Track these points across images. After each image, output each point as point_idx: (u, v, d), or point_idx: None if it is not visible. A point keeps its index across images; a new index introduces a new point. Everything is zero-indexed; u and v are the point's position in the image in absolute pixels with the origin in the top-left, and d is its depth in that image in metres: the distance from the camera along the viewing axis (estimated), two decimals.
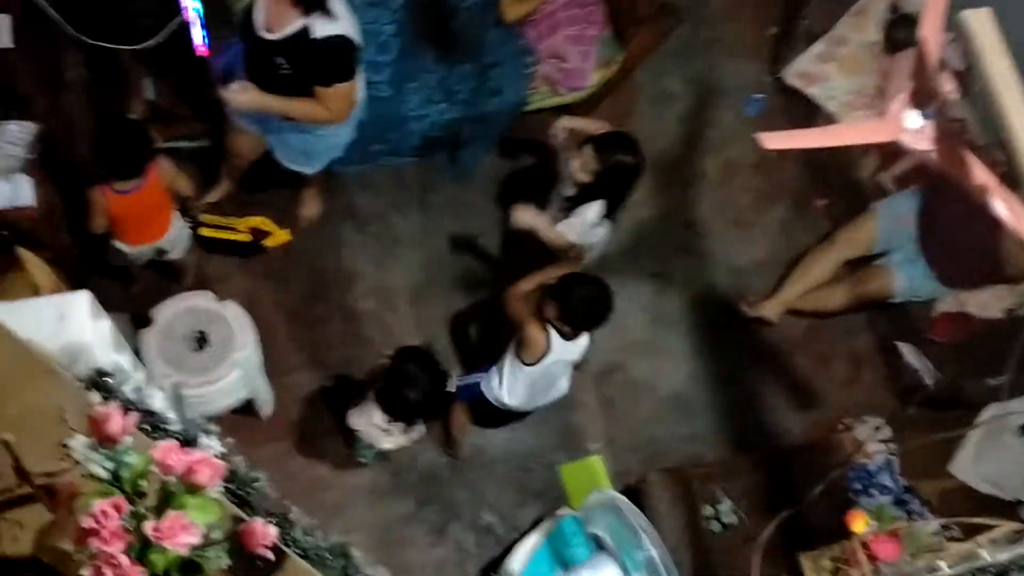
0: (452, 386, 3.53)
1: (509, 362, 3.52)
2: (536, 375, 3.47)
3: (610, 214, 3.63)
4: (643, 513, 3.31)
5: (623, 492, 3.60)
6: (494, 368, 3.61)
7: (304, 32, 3.11)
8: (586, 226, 3.60)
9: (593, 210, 3.56)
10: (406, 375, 3.30)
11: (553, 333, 3.36)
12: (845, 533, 3.07)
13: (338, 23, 3.13)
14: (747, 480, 3.80)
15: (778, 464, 3.86)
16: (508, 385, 3.55)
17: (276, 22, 3.15)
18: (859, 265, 4.28)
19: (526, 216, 3.67)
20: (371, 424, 3.43)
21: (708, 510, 3.71)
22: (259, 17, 3.20)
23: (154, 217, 3.48)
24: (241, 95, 3.31)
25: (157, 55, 3.80)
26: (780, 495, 3.70)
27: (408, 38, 4.07)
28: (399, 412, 3.37)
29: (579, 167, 3.50)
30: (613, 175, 3.49)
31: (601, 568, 3.35)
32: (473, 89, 4.13)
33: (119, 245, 3.47)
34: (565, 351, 3.43)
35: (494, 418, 3.94)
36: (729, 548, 3.65)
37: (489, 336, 4.17)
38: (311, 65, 3.20)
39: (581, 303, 3.30)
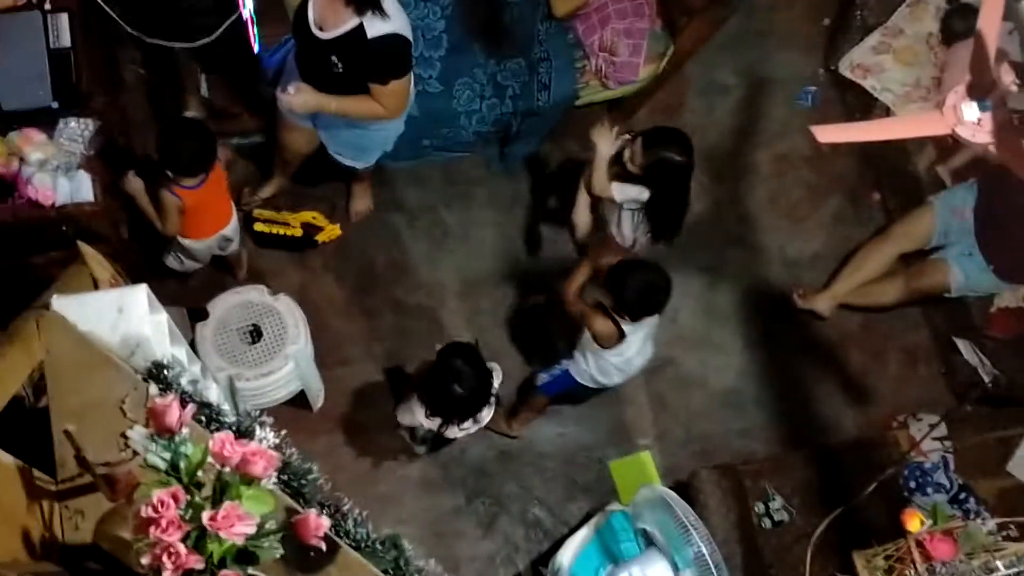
0: (497, 381, 3.51)
1: (589, 351, 3.49)
2: (623, 357, 3.45)
3: (664, 224, 3.56)
4: (693, 509, 3.29)
5: (673, 488, 3.58)
6: (577, 355, 3.58)
7: (358, 31, 3.11)
8: (634, 194, 3.51)
9: (637, 190, 3.48)
10: (452, 371, 3.29)
11: (620, 320, 3.32)
12: (899, 531, 3.03)
13: (391, 21, 3.14)
14: (799, 477, 3.76)
15: (830, 461, 3.82)
16: (597, 369, 3.53)
17: (330, 21, 3.15)
18: (914, 259, 4.21)
19: (603, 137, 3.56)
20: (416, 421, 3.45)
21: (759, 507, 3.69)
22: (312, 16, 3.21)
23: (220, 204, 3.51)
24: (297, 97, 3.31)
25: (211, 52, 3.86)
26: (832, 492, 3.66)
27: (458, 34, 4.08)
28: (442, 408, 3.37)
29: (628, 158, 3.46)
30: (660, 170, 3.42)
31: (651, 564, 3.34)
32: (523, 84, 4.13)
33: (187, 243, 3.51)
34: (638, 330, 3.40)
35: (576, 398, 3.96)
36: (780, 545, 3.62)
37: (539, 328, 4.18)
38: (365, 64, 3.21)
39: (635, 291, 3.23)
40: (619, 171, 3.59)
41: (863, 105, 4.64)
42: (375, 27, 3.09)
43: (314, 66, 3.31)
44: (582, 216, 3.73)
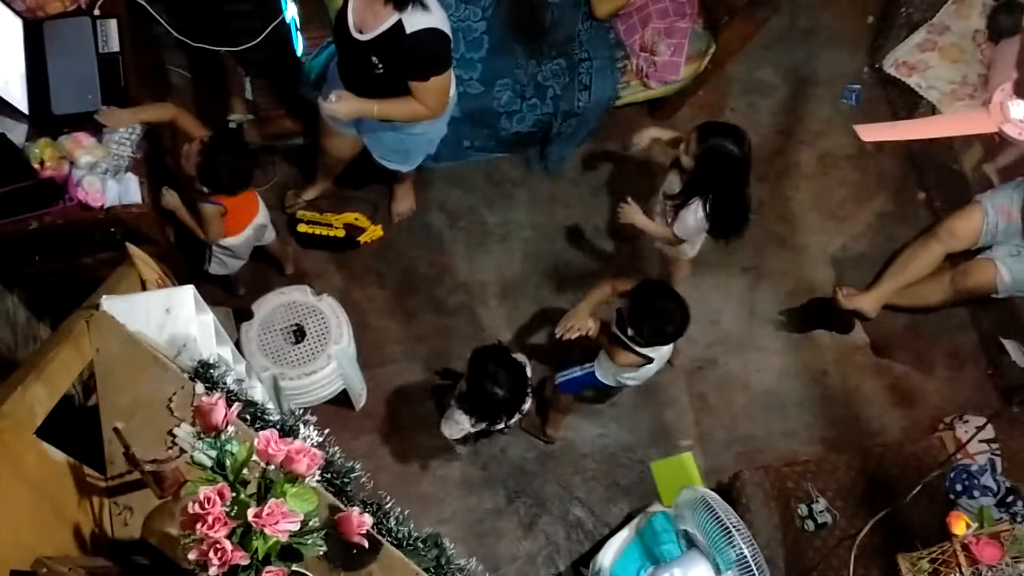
0: (530, 374, 3.50)
1: (614, 367, 3.49)
2: (647, 372, 3.45)
3: (719, 223, 3.51)
4: (735, 511, 3.27)
5: (715, 489, 3.57)
6: (602, 357, 3.56)
7: (397, 27, 3.11)
8: (695, 220, 3.49)
9: (696, 216, 3.46)
10: (487, 375, 3.30)
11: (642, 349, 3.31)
12: (945, 535, 2.99)
13: (431, 15, 3.13)
14: (842, 479, 3.73)
15: (875, 463, 3.78)
16: (622, 371, 3.53)
17: (369, 22, 3.16)
18: (961, 258, 4.15)
19: (635, 215, 3.62)
20: (463, 429, 3.45)
21: (802, 509, 3.66)
22: (352, 20, 3.22)
23: (247, 195, 3.54)
24: (339, 105, 3.32)
25: (255, 56, 3.92)
26: (876, 495, 3.63)
27: (499, 35, 4.09)
28: (486, 412, 3.37)
29: (683, 151, 3.44)
30: (714, 161, 3.37)
31: (692, 565, 3.32)
32: (563, 84, 4.13)
33: (227, 241, 3.56)
34: (662, 352, 3.40)
35: (591, 400, 3.96)
36: (823, 548, 3.59)
37: None
38: (406, 60, 3.21)
39: (649, 322, 3.21)
40: (665, 204, 3.61)
41: (908, 103, 4.59)
42: (414, 22, 3.09)
43: (355, 70, 3.33)
44: (660, 233, 3.70)
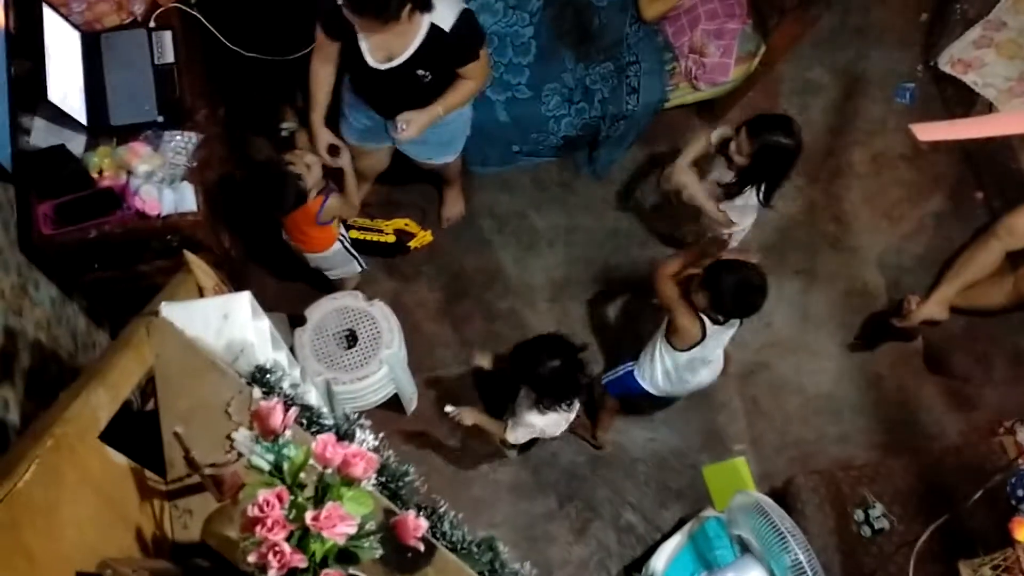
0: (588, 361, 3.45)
1: (661, 347, 3.45)
2: (689, 359, 3.41)
3: (766, 198, 3.53)
4: (789, 516, 3.24)
5: (768, 495, 3.53)
6: (643, 356, 3.56)
7: (435, 31, 3.08)
8: (751, 208, 3.55)
9: (751, 201, 3.52)
10: (532, 350, 3.23)
11: (706, 320, 3.28)
12: (1006, 540, 2.93)
13: (450, 2, 3.08)
14: (900, 484, 3.67)
15: (933, 467, 3.72)
16: (662, 371, 3.50)
17: (397, 46, 3.12)
18: (1019, 259, 4.06)
19: (682, 176, 3.60)
20: (533, 429, 3.40)
21: (858, 514, 3.61)
22: (373, 59, 3.17)
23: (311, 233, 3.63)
24: (412, 128, 3.32)
25: (306, 65, 3.96)
26: (935, 500, 3.57)
27: (546, 40, 4.10)
28: (549, 388, 3.26)
29: (735, 151, 3.42)
30: (769, 155, 3.37)
31: (747, 571, 3.30)
32: (612, 88, 4.13)
33: (324, 254, 3.71)
34: (718, 336, 3.36)
35: (641, 406, 3.92)
36: (881, 554, 3.53)
37: (629, 333, 4.17)
38: (456, 54, 3.18)
39: (732, 291, 3.16)
40: (719, 192, 3.60)
41: (964, 101, 4.50)
42: (444, 17, 3.06)
43: (395, 92, 3.31)
44: (707, 205, 3.68)
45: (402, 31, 3.06)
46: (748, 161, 3.41)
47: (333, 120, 3.62)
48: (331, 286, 3.89)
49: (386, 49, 3.15)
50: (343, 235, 3.71)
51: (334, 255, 3.71)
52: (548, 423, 3.35)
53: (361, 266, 3.90)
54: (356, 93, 3.50)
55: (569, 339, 3.27)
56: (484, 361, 3.52)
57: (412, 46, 3.11)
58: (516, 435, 3.42)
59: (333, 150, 3.49)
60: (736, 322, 3.37)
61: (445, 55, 3.16)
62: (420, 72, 3.20)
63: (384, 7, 2.89)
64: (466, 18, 3.11)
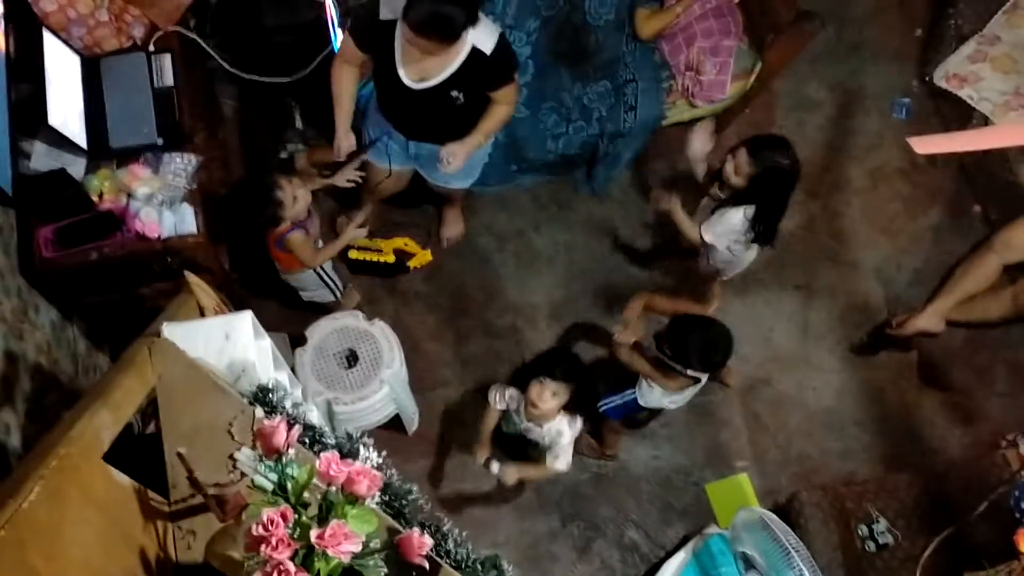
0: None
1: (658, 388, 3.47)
2: (690, 393, 3.42)
3: (765, 230, 3.44)
4: (793, 532, 3.22)
5: (772, 510, 3.51)
6: (642, 382, 3.54)
7: (476, 54, 3.10)
8: (728, 230, 3.46)
9: (738, 215, 3.40)
10: (546, 356, 3.28)
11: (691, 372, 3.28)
12: (1011, 553, 2.92)
13: (488, 26, 3.12)
14: (903, 498, 3.66)
15: (936, 481, 3.71)
16: (660, 393, 3.50)
17: (434, 68, 3.14)
18: (1018, 273, 4.07)
19: (672, 203, 3.60)
20: (569, 443, 3.35)
21: (862, 529, 3.60)
22: (408, 78, 3.19)
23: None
24: (458, 160, 3.37)
25: (305, 87, 3.98)
26: (939, 514, 3.56)
27: (544, 59, 4.12)
28: (569, 373, 3.24)
29: (732, 171, 3.37)
30: (769, 178, 3.33)
31: None
32: (609, 106, 4.14)
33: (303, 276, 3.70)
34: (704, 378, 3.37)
35: (638, 421, 3.92)
36: (886, 568, 3.52)
37: None
38: (492, 77, 3.21)
39: (695, 348, 3.19)
40: (715, 191, 3.58)
41: (960, 115, 4.52)
42: (486, 41, 3.09)
43: (425, 112, 3.34)
44: (685, 227, 3.66)
45: (443, 53, 3.08)
46: (746, 183, 3.37)
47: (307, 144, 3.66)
48: (331, 306, 3.88)
49: (422, 69, 3.17)
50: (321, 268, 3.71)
51: (306, 278, 3.71)
52: (576, 428, 3.34)
53: (334, 296, 3.88)
54: (381, 112, 3.51)
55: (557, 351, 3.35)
56: (483, 458, 3.51)
57: (451, 67, 3.14)
58: (563, 463, 3.36)
59: (352, 157, 3.50)
60: None
61: (482, 78, 3.20)
62: (454, 93, 3.22)
63: (451, 32, 2.93)
64: (504, 42, 3.16)
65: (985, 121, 4.36)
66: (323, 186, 3.60)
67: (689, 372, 3.26)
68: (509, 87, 3.27)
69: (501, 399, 3.41)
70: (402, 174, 3.83)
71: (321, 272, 3.70)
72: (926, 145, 2.61)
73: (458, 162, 3.39)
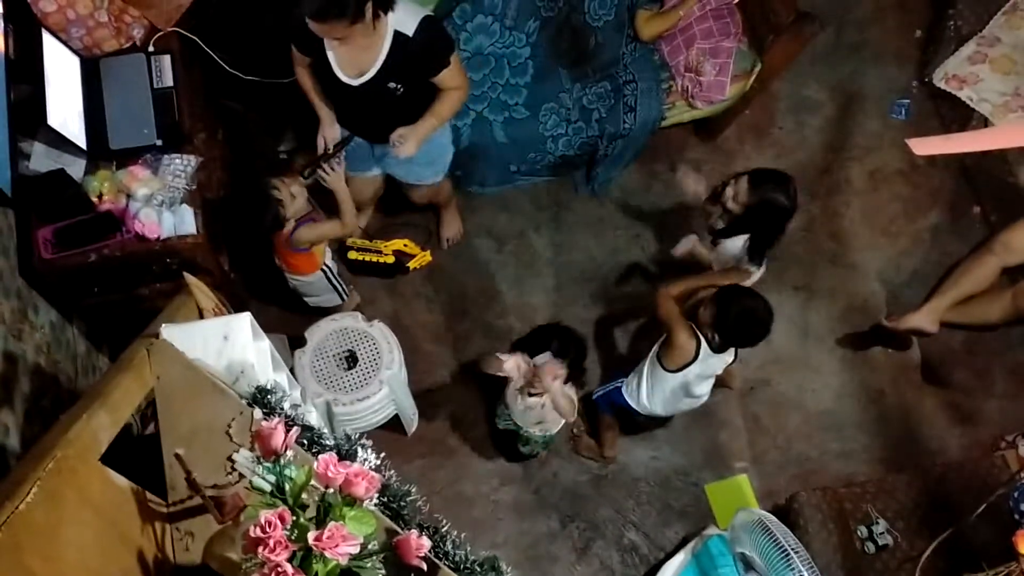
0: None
1: (649, 366, 3.47)
2: (675, 383, 3.42)
3: (756, 255, 3.49)
4: (793, 533, 3.22)
5: (771, 511, 3.51)
6: (633, 373, 3.58)
7: (399, 38, 3.06)
8: (731, 257, 3.53)
9: (739, 244, 3.47)
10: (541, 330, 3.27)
11: (703, 342, 3.29)
12: (1010, 555, 2.92)
13: (408, 7, 3.07)
14: (903, 499, 3.66)
15: (935, 483, 3.70)
16: (647, 390, 3.51)
17: (366, 60, 3.12)
18: (1018, 273, 4.06)
19: (695, 245, 3.73)
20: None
21: (862, 530, 3.59)
22: (344, 75, 3.17)
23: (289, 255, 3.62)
24: (410, 144, 3.31)
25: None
26: (938, 515, 3.55)
27: (543, 60, 4.12)
28: (567, 347, 3.31)
29: (731, 196, 3.41)
30: (763, 211, 3.38)
31: None
32: (609, 107, 4.14)
33: (308, 278, 3.69)
34: (709, 364, 3.36)
35: (635, 425, 3.91)
36: (885, 570, 3.52)
37: (628, 351, 4.17)
38: (423, 61, 3.15)
39: (739, 316, 3.19)
40: (709, 234, 3.63)
41: (959, 117, 4.52)
42: (407, 24, 3.05)
43: (371, 109, 3.31)
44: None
45: (368, 43, 3.06)
46: (742, 210, 3.41)
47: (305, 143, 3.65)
48: (330, 308, 3.88)
49: (356, 64, 3.14)
50: (327, 266, 3.69)
51: (315, 282, 3.69)
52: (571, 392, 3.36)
53: (342, 298, 3.88)
54: (338, 120, 3.49)
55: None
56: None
57: (380, 57, 3.11)
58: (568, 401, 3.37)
59: (337, 148, 3.47)
60: (730, 355, 3.38)
61: (414, 64, 3.14)
62: (391, 85, 3.18)
63: (345, 6, 2.85)
64: (429, 23, 3.10)
65: (985, 122, 4.36)
66: (311, 181, 3.55)
67: (718, 340, 3.26)
68: (448, 71, 3.19)
69: (517, 366, 3.37)
70: (372, 179, 3.82)
71: (328, 273, 3.70)
72: (925, 147, 2.61)
73: (410, 146, 3.31)
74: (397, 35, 3.06)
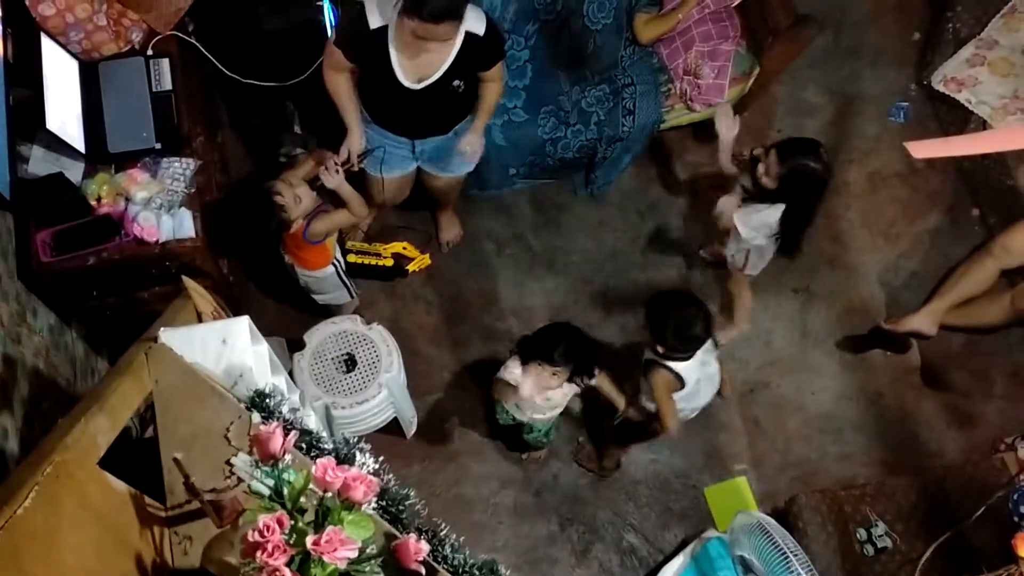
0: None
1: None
2: (684, 395, 3.40)
3: (790, 235, 3.46)
4: (792, 535, 3.22)
5: (770, 514, 3.52)
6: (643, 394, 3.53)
7: (471, 38, 3.11)
8: (763, 225, 3.46)
9: (775, 214, 3.41)
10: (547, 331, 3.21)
11: (672, 364, 3.23)
12: (1010, 557, 2.92)
13: (471, 7, 3.08)
14: (902, 502, 3.66)
15: (934, 485, 3.70)
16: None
17: (434, 63, 3.15)
18: (1017, 276, 4.07)
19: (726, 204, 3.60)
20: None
21: (861, 533, 3.59)
22: (408, 80, 3.19)
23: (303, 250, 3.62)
24: (476, 145, 3.53)
25: (303, 91, 3.98)
26: (937, 517, 3.55)
27: (542, 63, 4.12)
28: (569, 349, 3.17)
29: (763, 172, 3.38)
30: (797, 180, 3.33)
31: None
32: (607, 110, 4.14)
33: (318, 274, 3.68)
34: (694, 368, 3.32)
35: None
36: (884, 572, 3.52)
37: (629, 354, 4.17)
38: (488, 56, 3.23)
39: (672, 325, 3.13)
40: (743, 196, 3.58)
41: (958, 119, 4.52)
42: (477, 24, 3.10)
43: (428, 109, 3.35)
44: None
45: (438, 47, 3.08)
46: (776, 183, 3.37)
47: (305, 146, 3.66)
48: (329, 311, 3.88)
49: (419, 67, 3.18)
50: (338, 260, 3.70)
51: (326, 278, 3.69)
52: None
53: (351, 295, 3.89)
54: (376, 122, 3.50)
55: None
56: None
57: (449, 58, 3.16)
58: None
59: (362, 158, 3.49)
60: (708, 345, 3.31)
61: (479, 60, 3.22)
62: (456, 83, 3.24)
63: (460, 11, 2.93)
64: (491, 20, 3.18)
65: (983, 125, 4.36)
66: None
67: (660, 349, 3.20)
68: (500, 63, 3.32)
69: (516, 374, 3.26)
70: (405, 179, 3.83)
71: (339, 269, 3.71)
72: (923, 149, 2.61)
73: (479, 148, 3.53)
74: (468, 35, 3.11)
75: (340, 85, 3.35)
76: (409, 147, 3.59)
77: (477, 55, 3.18)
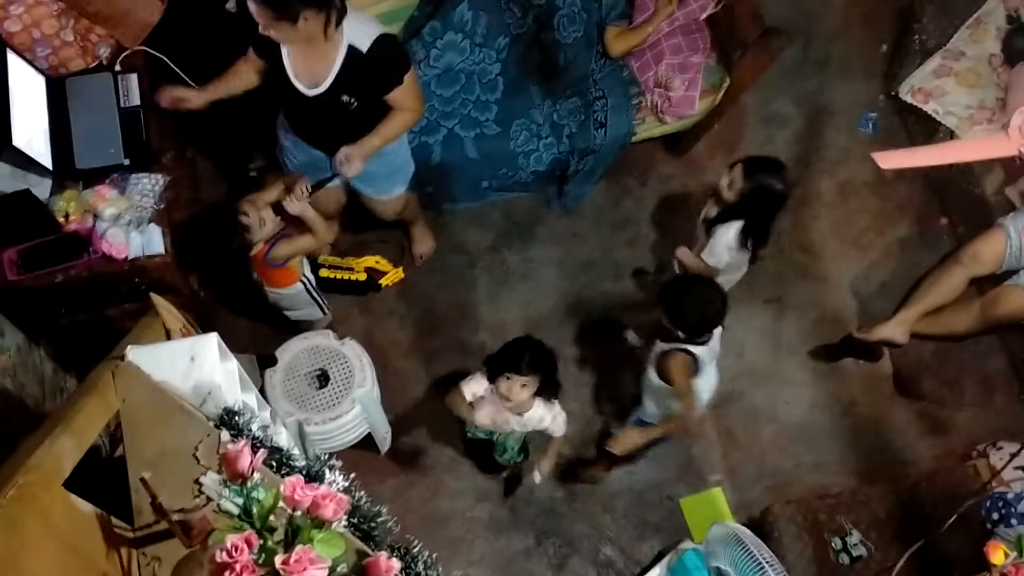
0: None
1: (657, 386, 3.42)
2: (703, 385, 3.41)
3: (752, 243, 3.52)
4: (767, 545, 3.22)
5: (746, 524, 3.52)
6: (645, 399, 3.55)
7: (353, 52, 3.06)
8: (723, 247, 3.52)
9: (732, 230, 3.49)
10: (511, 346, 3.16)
11: (692, 348, 3.25)
12: (983, 564, 2.93)
13: (365, 23, 3.07)
14: (876, 511, 3.67)
15: (908, 493, 3.72)
16: (659, 404, 3.49)
17: (321, 71, 3.11)
18: (986, 284, 4.10)
19: (685, 255, 3.69)
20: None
21: (836, 542, 3.61)
22: (301, 85, 3.16)
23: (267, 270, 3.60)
24: (355, 162, 3.28)
25: (273, 105, 3.95)
26: (911, 526, 3.58)
27: (513, 76, 4.13)
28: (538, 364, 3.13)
29: (726, 185, 3.46)
30: (758, 198, 3.42)
31: None
32: (579, 123, 4.15)
33: (286, 291, 3.66)
34: (709, 353, 3.34)
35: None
36: None
37: (603, 365, 4.17)
38: (377, 77, 3.14)
39: (690, 308, 3.18)
40: (704, 227, 3.64)
41: (926, 130, 4.57)
42: (362, 40, 3.05)
43: (326, 120, 3.29)
44: (694, 265, 3.69)
45: (321, 53, 3.05)
46: (737, 199, 3.44)
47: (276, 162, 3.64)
48: (301, 327, 3.86)
49: (311, 74, 3.13)
50: (307, 277, 3.67)
51: (295, 295, 3.68)
52: (555, 410, 3.28)
53: (323, 312, 3.87)
54: (294, 131, 3.47)
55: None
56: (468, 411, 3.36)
57: (334, 69, 3.10)
58: (559, 429, 3.32)
59: (318, 186, 3.42)
60: (718, 331, 3.34)
61: (366, 80, 3.13)
62: (345, 99, 3.16)
63: (281, 5, 2.84)
64: (384, 41, 3.09)
65: (951, 135, 4.41)
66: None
67: (681, 335, 3.22)
68: (400, 90, 3.17)
69: (477, 391, 3.27)
70: (335, 189, 3.79)
71: (308, 286, 3.68)
72: (891, 160, 2.64)
73: (355, 165, 3.29)
74: (351, 49, 3.06)
75: (238, 75, 3.32)
76: (326, 160, 3.55)
77: (363, 74, 3.10)
